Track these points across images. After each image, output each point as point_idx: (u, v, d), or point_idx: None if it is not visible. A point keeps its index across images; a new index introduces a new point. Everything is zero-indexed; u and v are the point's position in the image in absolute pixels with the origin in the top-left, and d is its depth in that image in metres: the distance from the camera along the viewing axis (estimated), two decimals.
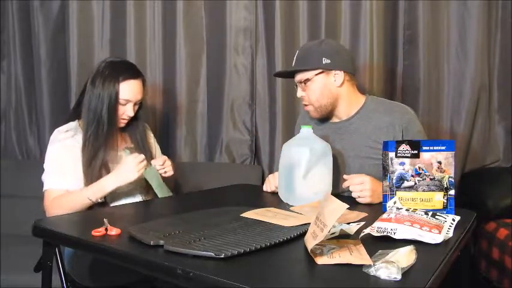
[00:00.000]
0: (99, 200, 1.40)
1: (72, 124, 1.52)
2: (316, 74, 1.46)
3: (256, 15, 2.15)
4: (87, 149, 1.45)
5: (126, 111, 1.50)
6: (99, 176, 1.42)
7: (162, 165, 1.49)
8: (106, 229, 0.97)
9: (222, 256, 0.79)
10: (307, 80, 1.46)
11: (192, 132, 2.24)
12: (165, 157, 1.53)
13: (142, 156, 1.42)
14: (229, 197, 1.54)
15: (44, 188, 1.44)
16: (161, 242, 0.86)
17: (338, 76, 1.47)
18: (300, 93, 1.51)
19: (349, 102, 1.51)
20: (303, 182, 1.29)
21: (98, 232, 0.95)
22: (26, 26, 2.28)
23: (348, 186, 1.32)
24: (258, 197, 1.52)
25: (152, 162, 1.49)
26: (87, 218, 1.24)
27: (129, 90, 1.48)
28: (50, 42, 2.24)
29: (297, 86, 1.53)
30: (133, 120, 1.57)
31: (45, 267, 1.09)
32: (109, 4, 2.17)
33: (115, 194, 1.47)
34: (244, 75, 2.19)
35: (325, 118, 1.56)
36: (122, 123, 1.53)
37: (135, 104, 1.52)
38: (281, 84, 2.11)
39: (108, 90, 1.45)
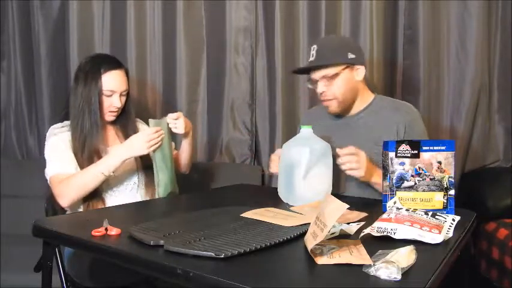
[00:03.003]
0: (112, 174, 1.40)
1: (67, 122, 1.53)
2: (343, 69, 1.45)
3: (256, 15, 2.15)
4: (75, 144, 1.46)
5: (113, 103, 1.50)
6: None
7: (176, 119, 1.46)
8: (106, 229, 0.97)
9: (222, 256, 0.79)
10: (336, 75, 1.44)
11: (192, 132, 2.23)
12: (181, 113, 1.49)
13: (155, 130, 1.40)
14: (229, 197, 1.54)
15: (50, 175, 1.43)
16: (161, 242, 0.86)
17: (360, 71, 1.48)
18: (322, 88, 1.47)
19: (362, 97, 1.53)
20: (303, 182, 1.29)
21: (98, 232, 0.95)
22: (26, 26, 2.28)
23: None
24: (258, 197, 1.52)
25: (168, 115, 1.47)
26: (87, 218, 1.24)
27: (112, 81, 1.49)
28: (50, 42, 2.23)
29: (310, 80, 1.50)
30: (122, 113, 1.57)
31: (45, 267, 1.09)
32: (109, 4, 2.17)
33: (112, 188, 1.48)
34: (244, 75, 2.19)
35: (339, 113, 1.54)
36: (111, 115, 1.53)
37: (121, 95, 1.52)
38: (281, 84, 2.12)
39: (91, 84, 1.46)
